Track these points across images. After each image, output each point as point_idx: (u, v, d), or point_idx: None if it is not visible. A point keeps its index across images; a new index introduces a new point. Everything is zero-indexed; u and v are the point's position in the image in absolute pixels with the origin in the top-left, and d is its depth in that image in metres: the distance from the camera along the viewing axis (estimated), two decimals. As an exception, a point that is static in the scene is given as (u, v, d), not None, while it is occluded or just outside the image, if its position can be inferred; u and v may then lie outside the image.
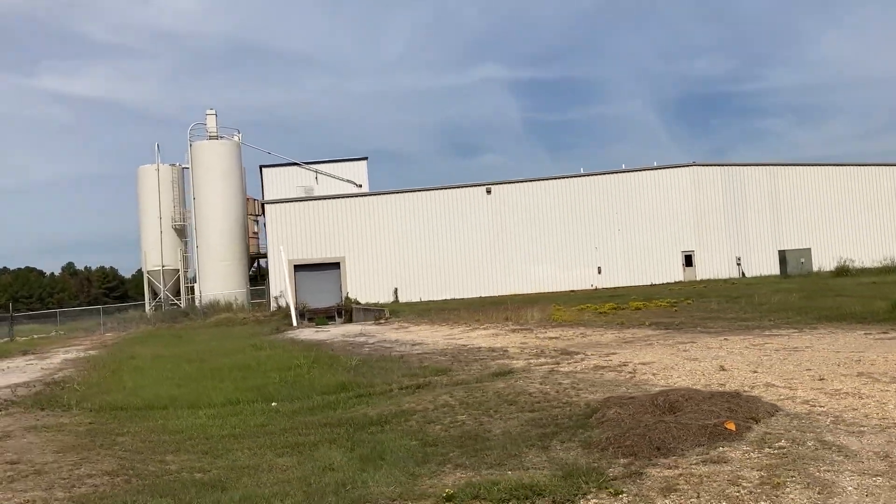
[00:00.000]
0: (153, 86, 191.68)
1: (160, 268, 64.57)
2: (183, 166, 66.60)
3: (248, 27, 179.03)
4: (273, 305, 53.20)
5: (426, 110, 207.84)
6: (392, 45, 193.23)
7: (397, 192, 56.07)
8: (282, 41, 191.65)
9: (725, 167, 59.91)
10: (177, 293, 66.18)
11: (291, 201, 55.21)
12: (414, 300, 53.78)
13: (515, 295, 51.11)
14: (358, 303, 52.99)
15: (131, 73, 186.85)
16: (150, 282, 65.80)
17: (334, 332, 30.09)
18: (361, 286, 54.43)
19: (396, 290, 54.74)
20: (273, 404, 12.20)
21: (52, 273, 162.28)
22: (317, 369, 15.37)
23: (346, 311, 49.59)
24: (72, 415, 11.82)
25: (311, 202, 55.04)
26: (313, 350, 20.34)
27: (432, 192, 56.37)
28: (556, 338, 18.31)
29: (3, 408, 13.16)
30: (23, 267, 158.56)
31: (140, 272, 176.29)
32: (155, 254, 64.59)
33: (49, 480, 7.58)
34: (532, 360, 14.56)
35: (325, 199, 55.73)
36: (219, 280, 57.49)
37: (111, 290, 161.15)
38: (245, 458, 8.29)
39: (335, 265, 54.78)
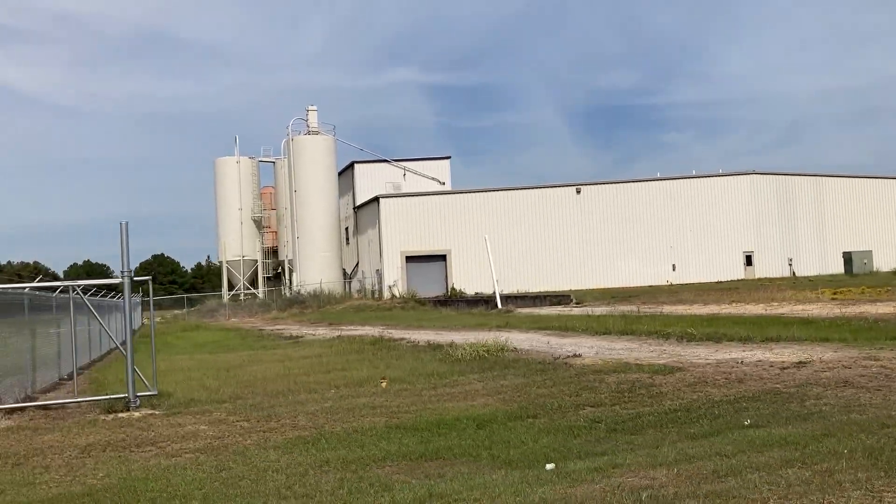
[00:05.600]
0: (52, 72, 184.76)
1: (240, 258, 65.75)
2: (260, 159, 68.05)
3: (156, 14, 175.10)
4: (387, 294, 55.76)
5: (340, 110, 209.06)
6: (308, 43, 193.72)
7: (498, 190, 59.50)
8: (192, 31, 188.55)
9: (779, 176, 65.96)
10: (252, 283, 67.46)
11: (403, 196, 57.93)
12: (511, 291, 57.22)
13: (608, 289, 55.16)
14: (465, 293, 56.22)
15: (27, 57, 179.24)
16: (228, 271, 66.78)
17: (579, 311, 33.40)
18: (464, 278, 57.52)
19: (497, 281, 57.96)
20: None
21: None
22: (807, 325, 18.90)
23: (455, 300, 52.81)
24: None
25: (420, 197, 57.87)
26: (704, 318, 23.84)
27: (528, 190, 60.08)
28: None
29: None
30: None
31: (74, 266, 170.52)
32: (235, 244, 65.78)
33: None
34: None
35: (432, 194, 58.69)
36: (318, 270, 59.42)
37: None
38: None
39: (441, 257, 57.76)
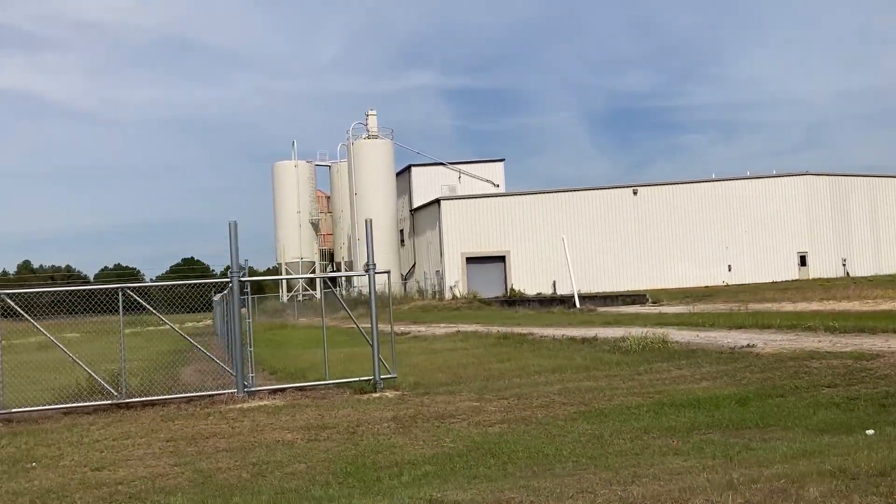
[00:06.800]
0: (75, 79, 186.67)
1: (299, 260, 66.90)
2: (316, 163, 69.21)
3: (175, 21, 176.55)
4: (448, 295, 56.67)
5: (359, 114, 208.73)
6: (326, 48, 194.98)
7: (555, 192, 60.27)
8: (211, 37, 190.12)
9: (832, 177, 66.24)
10: (310, 284, 68.58)
11: (463, 198, 58.81)
12: (568, 293, 57.91)
13: (666, 289, 55.60)
14: (525, 294, 57.01)
15: (50, 64, 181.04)
16: (287, 273, 67.93)
17: (671, 310, 34.18)
18: (523, 279, 58.32)
19: (555, 282, 58.75)
20: None
21: (5, 271, 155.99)
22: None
23: (519, 300, 53.47)
24: None
25: (479, 199, 58.71)
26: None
27: (585, 192, 60.79)
28: None
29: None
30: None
31: (105, 269, 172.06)
32: (293, 247, 66.94)
33: None
34: None
35: (491, 196, 59.55)
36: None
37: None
38: None
39: (500, 258, 58.60)
